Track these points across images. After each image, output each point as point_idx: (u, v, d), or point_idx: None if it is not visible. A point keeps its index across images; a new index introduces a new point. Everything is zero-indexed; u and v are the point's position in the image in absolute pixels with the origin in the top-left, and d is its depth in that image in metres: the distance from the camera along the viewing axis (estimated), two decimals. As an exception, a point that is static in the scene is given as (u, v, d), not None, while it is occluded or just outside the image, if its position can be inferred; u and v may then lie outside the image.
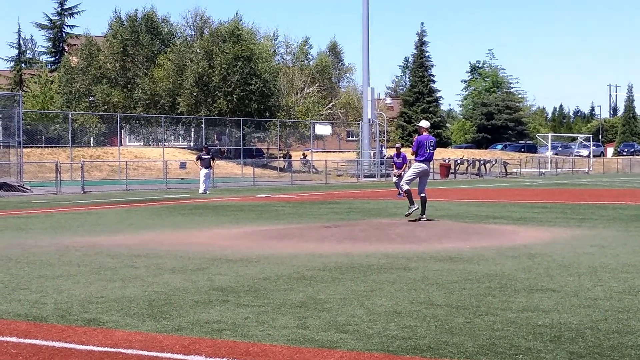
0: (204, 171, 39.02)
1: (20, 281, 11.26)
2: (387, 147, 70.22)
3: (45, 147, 61.49)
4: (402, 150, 37.28)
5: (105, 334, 8.00)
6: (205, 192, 38.10)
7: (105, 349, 7.41)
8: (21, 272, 12.19)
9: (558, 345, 7.44)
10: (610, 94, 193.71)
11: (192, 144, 72.79)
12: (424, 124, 20.47)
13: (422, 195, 20.05)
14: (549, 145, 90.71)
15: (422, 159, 19.96)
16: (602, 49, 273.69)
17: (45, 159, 53.77)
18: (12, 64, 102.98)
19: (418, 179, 20.21)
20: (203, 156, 39.60)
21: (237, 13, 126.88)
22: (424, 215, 19.87)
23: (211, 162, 39.82)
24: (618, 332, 7.96)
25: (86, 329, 8.25)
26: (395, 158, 35.72)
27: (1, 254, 14.48)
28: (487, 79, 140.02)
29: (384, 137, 67.25)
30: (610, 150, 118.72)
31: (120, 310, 9.15)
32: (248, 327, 8.27)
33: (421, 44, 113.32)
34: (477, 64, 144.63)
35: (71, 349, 7.43)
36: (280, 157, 71.48)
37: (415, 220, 19.41)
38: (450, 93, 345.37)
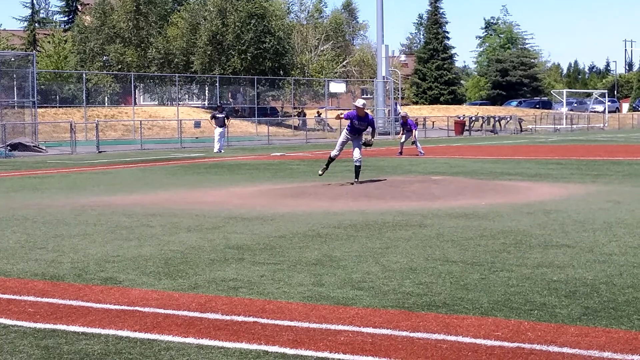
0: (218, 130, 38.93)
1: (36, 241, 11.33)
2: (402, 105, 70.01)
3: (59, 107, 61.40)
4: (409, 118, 36.23)
5: (122, 293, 8.05)
6: (220, 151, 38.09)
7: (122, 307, 7.47)
8: (37, 231, 12.26)
9: (573, 301, 7.45)
10: (625, 49, 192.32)
11: (206, 102, 72.62)
12: (359, 102, 19.98)
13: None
14: (564, 101, 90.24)
15: (349, 129, 19.63)
16: (618, 4, 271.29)
17: (59, 119, 53.80)
18: (25, 24, 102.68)
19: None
20: (217, 115, 39.50)
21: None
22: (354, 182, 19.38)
23: (225, 120, 39.72)
24: (633, 287, 7.97)
25: (103, 287, 8.31)
26: (403, 124, 34.81)
27: (18, 213, 14.55)
28: (502, 36, 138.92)
29: (398, 94, 66.99)
30: (625, 106, 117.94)
31: (137, 269, 9.20)
32: (264, 284, 8.31)
33: (435, 1, 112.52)
34: (492, 20, 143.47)
35: (88, 307, 7.48)
36: (294, 116, 71.31)
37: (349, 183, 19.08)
38: (465, 50, 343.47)
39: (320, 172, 19.59)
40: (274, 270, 9.05)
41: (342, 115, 19.79)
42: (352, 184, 18.74)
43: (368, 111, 19.90)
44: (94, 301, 7.70)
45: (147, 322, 6.93)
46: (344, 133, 19.76)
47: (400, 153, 33.67)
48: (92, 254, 10.17)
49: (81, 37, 74.79)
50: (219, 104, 45.33)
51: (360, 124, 19.29)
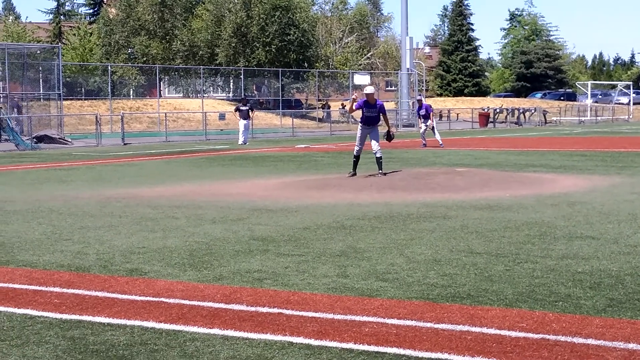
0: (242, 122, 38.94)
1: (62, 232, 11.40)
2: (426, 97, 69.90)
3: (85, 99, 61.74)
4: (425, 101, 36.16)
5: (147, 284, 8.10)
6: (245, 143, 38.12)
7: (148, 298, 7.51)
8: (63, 223, 12.33)
9: (598, 292, 7.44)
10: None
11: (230, 95, 72.75)
12: (369, 89, 20.08)
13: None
14: (589, 93, 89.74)
15: (362, 120, 19.59)
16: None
17: (85, 112, 54.07)
18: (51, 16, 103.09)
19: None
20: (241, 107, 39.52)
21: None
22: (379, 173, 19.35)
23: (250, 113, 39.74)
24: (658, 279, 7.94)
25: (128, 278, 8.36)
26: (421, 110, 34.67)
27: (44, 205, 14.64)
28: (526, 27, 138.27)
29: (422, 86, 66.86)
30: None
31: (162, 260, 9.25)
32: (288, 276, 8.34)
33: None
34: (516, 12, 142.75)
35: (114, 298, 7.53)
36: (319, 108, 71.32)
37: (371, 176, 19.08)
38: (489, 42, 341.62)
39: (348, 175, 19.33)
40: (298, 261, 9.07)
41: (354, 106, 19.78)
42: (377, 175, 18.72)
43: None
44: (119, 292, 7.75)
45: (173, 313, 6.97)
46: (360, 128, 19.72)
47: (425, 145, 33.58)
48: (117, 246, 10.23)
49: (106, 30, 75.11)
50: (243, 97, 45.36)
51: (371, 111, 19.27)
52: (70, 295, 7.66)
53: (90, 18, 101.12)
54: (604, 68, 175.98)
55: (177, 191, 16.99)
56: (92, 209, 13.99)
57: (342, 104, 70.32)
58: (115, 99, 60.97)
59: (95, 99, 61.78)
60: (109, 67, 58.73)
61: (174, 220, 12.47)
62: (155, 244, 10.33)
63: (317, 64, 73.18)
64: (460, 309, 6.97)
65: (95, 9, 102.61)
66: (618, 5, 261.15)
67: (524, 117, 69.67)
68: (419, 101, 35.24)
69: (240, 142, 38.42)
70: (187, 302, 7.36)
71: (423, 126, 34.54)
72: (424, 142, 33.93)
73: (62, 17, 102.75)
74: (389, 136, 20.39)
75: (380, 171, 18.96)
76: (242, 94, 58.50)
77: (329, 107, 69.83)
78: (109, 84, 56.34)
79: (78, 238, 10.88)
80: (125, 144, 39.18)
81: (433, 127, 34.12)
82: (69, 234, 11.21)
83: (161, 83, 71.24)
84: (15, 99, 44.14)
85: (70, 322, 6.75)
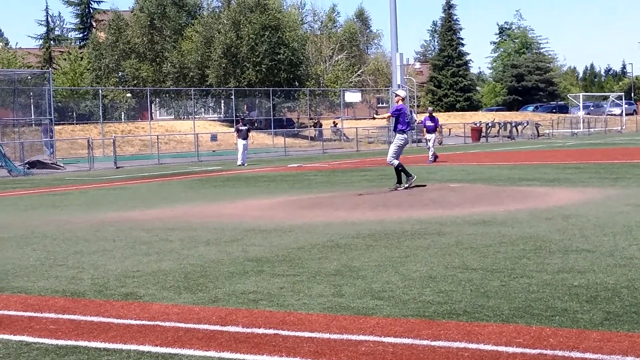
0: (241, 142, 38.84)
1: (56, 257, 11.36)
2: (418, 113, 69.94)
3: (76, 123, 61.71)
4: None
5: (143, 308, 8.07)
6: (244, 164, 37.93)
7: (143, 322, 7.48)
8: (57, 248, 12.30)
9: (594, 306, 7.43)
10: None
11: (222, 115, 72.82)
12: (402, 92, 20.48)
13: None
14: (581, 105, 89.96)
15: (405, 128, 19.84)
16: (632, 5, 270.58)
17: (77, 136, 54.06)
18: (41, 41, 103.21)
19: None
20: (240, 127, 39.52)
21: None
22: (402, 186, 19.62)
23: (248, 133, 39.77)
24: (655, 291, 7.93)
25: (123, 303, 8.33)
26: (428, 121, 35.21)
27: (37, 231, 14.61)
28: (516, 40, 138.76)
29: (414, 102, 66.98)
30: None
31: (157, 284, 9.22)
32: (284, 296, 8.31)
33: (449, 7, 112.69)
34: (506, 26, 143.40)
35: (109, 323, 7.50)
36: (310, 126, 71.38)
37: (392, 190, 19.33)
38: (480, 56, 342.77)
39: (406, 185, 19.47)
40: (293, 281, 9.05)
41: (391, 111, 20.17)
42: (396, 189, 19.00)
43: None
44: (114, 317, 7.72)
45: (168, 336, 6.94)
46: (400, 137, 19.93)
47: (435, 158, 33.53)
48: (112, 270, 10.20)
49: (96, 54, 75.21)
50: (241, 117, 45.45)
51: (408, 116, 19.72)
52: (65, 321, 7.63)
53: (80, 42, 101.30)
54: (596, 79, 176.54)
55: (171, 214, 16.97)
56: (85, 234, 13.96)
57: (334, 123, 70.37)
58: (107, 122, 60.94)
59: (86, 123, 61.74)
60: (100, 91, 58.74)
61: (168, 243, 12.45)
62: (150, 267, 10.30)
63: (307, 83, 73.29)
64: (456, 326, 6.95)
65: (85, 33, 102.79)
66: (608, 17, 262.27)
67: (517, 130, 69.79)
68: (430, 113, 35.61)
69: (239, 162, 38.23)
70: (182, 325, 7.33)
71: (431, 136, 34.65)
72: (434, 155, 33.78)
73: (52, 42, 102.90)
74: None
75: (398, 184, 19.23)
76: (234, 114, 58.58)
77: (320, 126, 69.88)
78: (100, 107, 56.31)
79: (72, 263, 10.84)
80: (117, 168, 39.17)
81: (434, 140, 34.38)
82: (63, 259, 11.17)
83: (152, 105, 71.24)
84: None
85: (66, 347, 6.71)
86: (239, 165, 37.79)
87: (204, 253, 11.26)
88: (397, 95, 20.51)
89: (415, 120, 62.44)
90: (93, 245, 12.51)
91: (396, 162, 19.75)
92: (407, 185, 19.42)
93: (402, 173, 19.60)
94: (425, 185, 19.89)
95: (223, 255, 10.98)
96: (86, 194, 23.91)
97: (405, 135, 19.90)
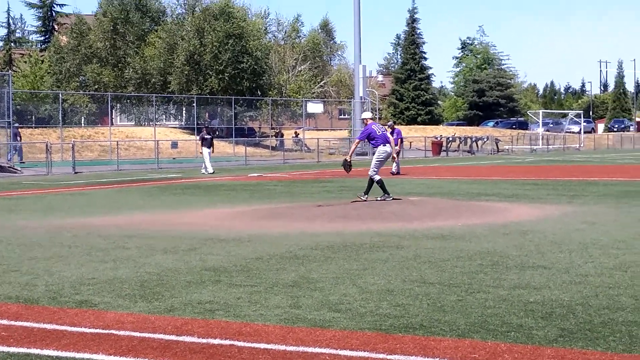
0: (207, 151, 38.63)
1: (10, 263, 11.24)
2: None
3: (35, 127, 61.24)
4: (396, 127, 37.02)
5: (97, 316, 7.99)
6: (209, 172, 37.50)
7: (97, 330, 7.41)
8: (12, 254, 12.17)
9: (549, 322, 7.46)
10: (600, 70, 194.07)
11: (183, 123, 72.60)
12: (367, 114, 20.73)
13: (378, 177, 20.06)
14: (540, 121, 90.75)
15: (380, 142, 19.91)
16: (593, 25, 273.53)
17: (35, 140, 53.64)
18: (1, 43, 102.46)
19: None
20: (205, 136, 39.35)
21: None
22: (386, 195, 19.78)
23: (212, 141, 39.63)
24: (609, 308, 7.98)
25: (78, 310, 8.24)
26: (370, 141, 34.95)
27: (-8, 235, 14.44)
28: (478, 56, 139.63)
29: (376, 114, 67.15)
30: (600, 127, 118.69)
31: (112, 292, 9.14)
32: (240, 307, 8.27)
33: (412, 21, 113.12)
34: (468, 41, 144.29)
35: (63, 330, 7.42)
36: (272, 136, 71.35)
37: (380, 200, 19.47)
38: (442, 70, 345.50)
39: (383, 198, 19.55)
40: (250, 292, 9.01)
41: (359, 137, 20.47)
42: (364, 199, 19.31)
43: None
44: (68, 324, 7.63)
45: (122, 345, 6.88)
46: (382, 151, 20.01)
47: (397, 172, 33.41)
48: (67, 277, 10.10)
49: (57, 57, 74.72)
50: (205, 125, 45.31)
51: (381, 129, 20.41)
52: (18, 328, 7.53)
53: (41, 45, 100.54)
54: (555, 97, 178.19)
55: (129, 220, 16.86)
56: (41, 239, 13.82)
57: (296, 132, 70.40)
58: (67, 127, 60.52)
59: (46, 127, 61.29)
60: (60, 95, 58.32)
61: (125, 250, 12.35)
62: (106, 274, 10.22)
63: (270, 92, 73.27)
64: (412, 340, 6.95)
65: (47, 36, 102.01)
66: (568, 35, 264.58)
67: (477, 145, 70.21)
68: (391, 126, 35.43)
69: (210, 171, 37.81)
70: (137, 334, 7.26)
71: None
72: (395, 169, 33.64)
73: (12, 44, 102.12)
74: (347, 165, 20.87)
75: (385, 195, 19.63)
76: (196, 122, 58.42)
77: (282, 136, 69.87)
78: (60, 111, 55.90)
79: (27, 269, 10.72)
80: (76, 173, 38.89)
81: (398, 152, 34.34)
82: (17, 265, 11.05)
83: (113, 111, 70.84)
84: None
85: (18, 355, 6.62)
86: (211, 173, 37.38)
87: (161, 261, 11.19)
88: (364, 120, 20.64)
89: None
90: (48, 251, 12.39)
91: (377, 177, 19.81)
92: (380, 198, 19.49)
93: (381, 188, 19.65)
94: (386, 199, 19.89)
95: (180, 264, 10.91)
96: (43, 199, 23.71)
97: (386, 148, 19.88)
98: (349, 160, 20.90)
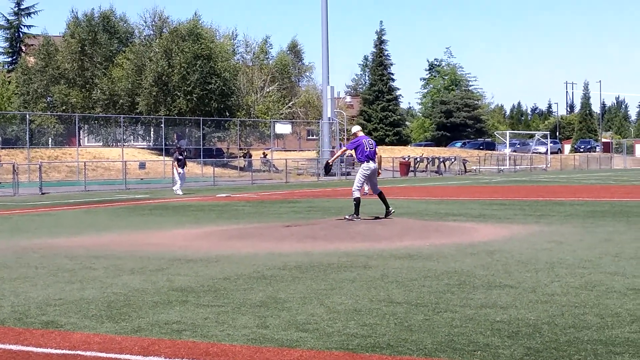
0: (180, 171, 38.58)
1: (-23, 284, 11.15)
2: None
3: (2, 148, 60.82)
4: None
5: (63, 337, 7.95)
6: (179, 194, 37.27)
7: (64, 351, 7.37)
8: (-22, 274, 12.07)
9: (516, 341, 7.50)
10: (567, 91, 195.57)
11: (151, 143, 72.39)
12: (357, 128, 20.71)
13: (379, 192, 20.21)
14: (507, 142, 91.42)
15: (363, 158, 19.93)
16: (559, 47, 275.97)
17: (2, 160, 53.27)
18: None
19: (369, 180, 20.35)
20: (179, 157, 39.33)
21: (196, 12, 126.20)
22: (391, 209, 20.02)
23: (185, 161, 39.71)
24: (574, 327, 8.03)
25: (44, 331, 8.19)
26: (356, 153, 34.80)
27: (-42, 256, 14.33)
28: (446, 77, 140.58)
29: (344, 135, 67.30)
30: (567, 147, 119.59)
31: (79, 312, 9.10)
32: (208, 327, 8.26)
33: (380, 43, 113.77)
34: (436, 62, 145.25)
35: (29, 351, 7.37)
36: (240, 157, 71.30)
37: (385, 217, 19.64)
38: (410, 91, 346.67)
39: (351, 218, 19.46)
40: (218, 312, 8.99)
41: (348, 146, 20.50)
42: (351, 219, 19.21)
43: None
44: (34, 345, 7.59)
45: (89, 366, 6.85)
46: (367, 167, 20.03)
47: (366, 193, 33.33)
48: (33, 297, 10.04)
49: (25, 78, 74.38)
50: (177, 146, 45.19)
51: (370, 144, 20.25)
52: (-17, 349, 7.48)
53: (8, 66, 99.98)
54: (522, 118, 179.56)
55: (96, 241, 16.78)
56: (7, 260, 13.73)
57: (264, 153, 70.40)
58: (34, 147, 60.13)
59: (12, 147, 60.91)
60: (27, 116, 57.97)
61: (92, 271, 12.30)
62: (72, 295, 10.16)
63: (238, 113, 73.23)
64: (379, 359, 6.96)
65: (14, 57, 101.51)
66: (535, 57, 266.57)
67: (444, 166, 70.50)
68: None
69: (179, 193, 37.56)
70: (104, 354, 7.23)
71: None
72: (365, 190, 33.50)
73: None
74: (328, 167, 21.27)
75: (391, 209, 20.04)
76: (164, 142, 58.28)
77: (250, 156, 69.84)
78: (27, 132, 55.54)
79: (-7, 290, 10.65)
80: (43, 194, 38.65)
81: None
82: (-16, 286, 10.97)
83: (81, 132, 70.50)
84: None
85: (-17, 377, 6.59)
86: (179, 195, 37.07)
87: (128, 282, 11.15)
88: (355, 133, 20.53)
89: (346, 154, 62.70)
90: (15, 272, 12.31)
91: (356, 194, 19.80)
92: (347, 217, 19.44)
93: (355, 207, 19.62)
94: (353, 219, 19.92)
95: (147, 285, 10.88)
96: (9, 220, 23.56)
97: (369, 165, 19.86)
98: (330, 163, 21.24)
